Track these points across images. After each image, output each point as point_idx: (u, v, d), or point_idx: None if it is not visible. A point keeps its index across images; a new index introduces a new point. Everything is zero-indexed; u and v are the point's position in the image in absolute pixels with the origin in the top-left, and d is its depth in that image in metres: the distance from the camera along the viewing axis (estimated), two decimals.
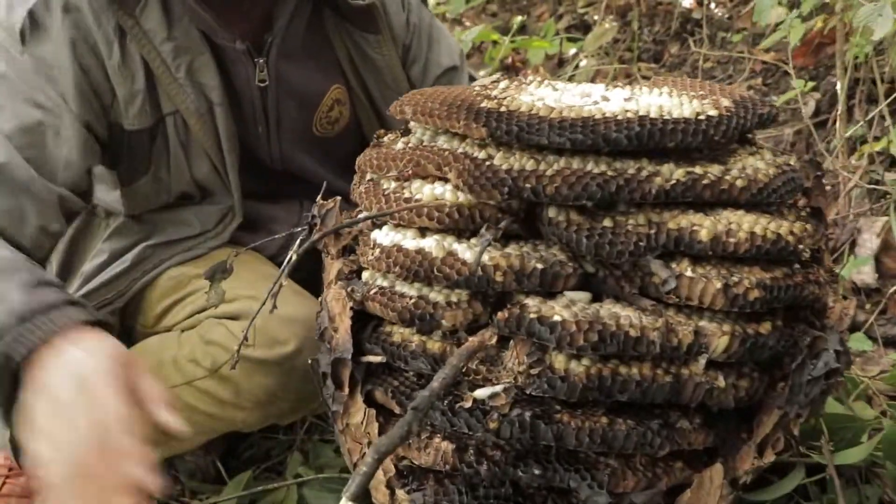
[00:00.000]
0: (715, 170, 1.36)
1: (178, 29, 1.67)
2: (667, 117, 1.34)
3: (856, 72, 2.21)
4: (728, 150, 1.43)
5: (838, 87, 2.08)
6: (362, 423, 1.46)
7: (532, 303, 1.31)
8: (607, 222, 1.33)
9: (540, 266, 1.32)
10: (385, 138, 1.56)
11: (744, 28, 3.10)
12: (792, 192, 1.40)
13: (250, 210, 1.91)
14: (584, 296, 1.34)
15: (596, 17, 3.40)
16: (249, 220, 1.90)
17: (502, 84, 1.52)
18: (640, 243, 1.31)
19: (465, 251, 1.35)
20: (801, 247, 1.36)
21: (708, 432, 1.38)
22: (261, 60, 1.80)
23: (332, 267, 1.54)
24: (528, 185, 1.33)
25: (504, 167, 1.35)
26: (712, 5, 3.11)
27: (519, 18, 3.56)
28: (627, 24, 3.47)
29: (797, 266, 1.40)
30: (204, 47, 1.75)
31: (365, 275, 1.49)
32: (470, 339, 1.35)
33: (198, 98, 1.74)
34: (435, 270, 1.35)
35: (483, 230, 1.33)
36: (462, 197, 1.38)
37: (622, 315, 1.29)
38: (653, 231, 1.32)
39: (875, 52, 2.21)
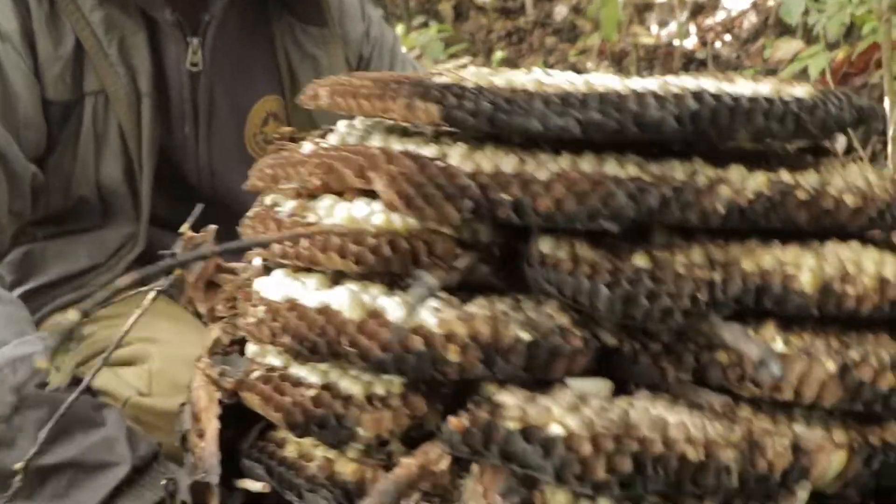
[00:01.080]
0: (811, 179, 0.72)
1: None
2: (736, 94, 0.71)
3: None
4: (803, 159, 0.80)
5: (887, 104, 1.47)
6: None
7: (512, 401, 0.65)
8: (641, 261, 0.67)
9: (526, 336, 0.66)
10: (290, 143, 0.90)
11: (753, 66, 2.49)
12: None
13: (153, 238, 1.29)
14: (600, 386, 0.67)
15: (589, 64, 2.80)
16: (150, 251, 1.27)
17: (471, 68, 0.88)
18: (699, 297, 0.66)
19: (398, 309, 0.69)
20: None
21: None
22: (195, 40, 1.28)
23: (209, 333, 0.88)
24: (505, 198, 0.68)
25: (466, 169, 0.71)
26: (717, 44, 2.53)
27: (499, 53, 2.93)
28: (623, 71, 2.87)
29: None
30: (138, 23, 1.25)
31: (250, 349, 0.82)
32: (404, 461, 0.69)
33: (129, 83, 1.25)
34: (345, 342, 0.69)
35: (418, 273, 0.66)
36: (398, 220, 0.73)
37: (671, 422, 0.63)
38: (718, 277, 0.67)
39: None
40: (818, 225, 0.69)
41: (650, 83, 0.72)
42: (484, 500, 0.63)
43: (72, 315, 0.74)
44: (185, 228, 0.83)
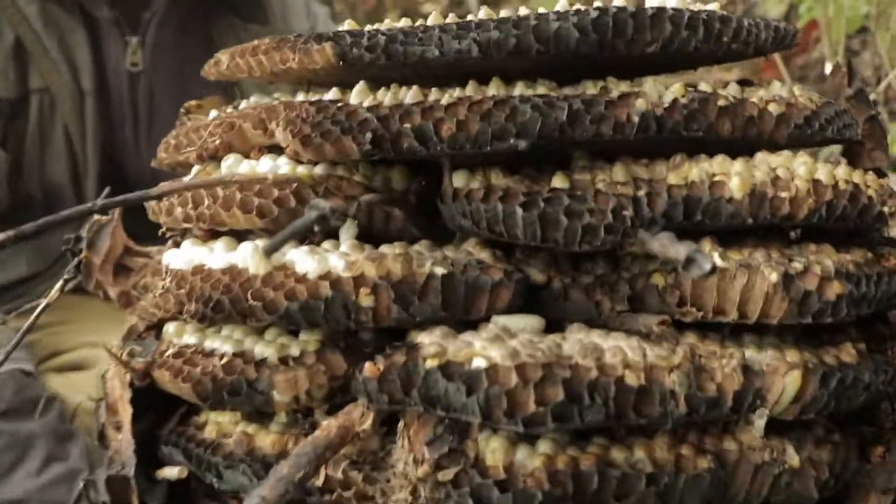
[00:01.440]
0: (732, 90, 0.65)
1: None
2: (639, 6, 0.64)
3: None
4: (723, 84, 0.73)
5: (828, 68, 1.43)
6: None
7: (429, 339, 0.56)
8: (559, 181, 0.60)
9: (440, 271, 0.58)
10: (196, 114, 0.82)
11: None
12: (845, 131, 0.69)
13: None
14: (529, 321, 0.59)
15: None
16: None
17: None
18: (625, 213, 0.58)
19: (306, 259, 0.61)
20: (885, 209, 0.65)
21: None
22: (134, 40, 1.21)
23: (127, 322, 0.78)
24: (407, 126, 0.60)
25: (366, 103, 0.63)
26: None
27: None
28: None
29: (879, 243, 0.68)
30: (77, 19, 1.19)
31: (168, 330, 0.72)
32: (325, 421, 0.60)
33: (71, 81, 1.18)
34: (250, 297, 0.60)
35: (314, 201, 0.57)
36: (302, 169, 0.65)
37: (607, 348, 0.55)
38: (643, 192, 0.60)
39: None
40: (744, 136, 0.61)
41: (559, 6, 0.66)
42: (411, 453, 0.54)
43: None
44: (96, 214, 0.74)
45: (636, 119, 0.57)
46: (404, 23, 0.66)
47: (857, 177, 0.62)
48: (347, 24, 0.70)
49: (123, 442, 0.67)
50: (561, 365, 0.51)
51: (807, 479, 0.58)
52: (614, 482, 0.52)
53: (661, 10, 0.59)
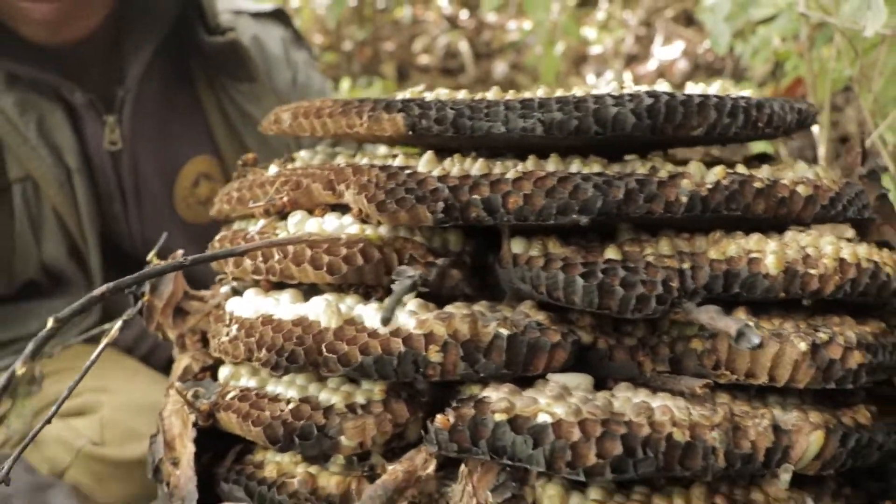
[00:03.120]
0: (765, 172, 0.75)
1: (20, 80, 1.18)
2: (688, 92, 0.74)
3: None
4: (753, 162, 0.83)
5: (816, 130, 1.54)
6: None
7: (496, 395, 0.65)
8: (612, 254, 0.69)
9: (505, 332, 0.66)
10: (252, 167, 0.90)
11: None
12: (862, 211, 0.79)
13: (108, 303, 1.18)
14: (582, 379, 0.68)
15: None
16: (106, 317, 1.23)
17: (427, 92, 0.90)
18: (672, 284, 0.67)
19: (375, 317, 0.69)
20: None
21: None
22: (111, 119, 1.23)
23: (179, 363, 0.85)
24: (476, 198, 0.68)
25: (435, 173, 0.71)
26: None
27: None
28: None
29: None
30: (54, 102, 1.19)
31: (223, 372, 0.80)
32: (391, 467, 0.67)
33: (55, 163, 1.19)
34: (324, 349, 0.68)
35: (401, 268, 0.66)
36: (370, 230, 0.73)
37: (655, 406, 0.64)
38: (687, 265, 0.69)
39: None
40: (775, 214, 0.71)
41: (605, 89, 0.75)
42: (474, 499, 0.62)
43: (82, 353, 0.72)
44: (151, 256, 0.82)
45: (684, 200, 0.66)
46: (464, 95, 0.75)
47: (876, 255, 0.71)
48: (409, 93, 0.79)
49: (183, 478, 0.74)
50: (617, 422, 0.60)
51: None
52: None
53: (707, 99, 0.69)
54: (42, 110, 1.20)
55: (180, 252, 0.79)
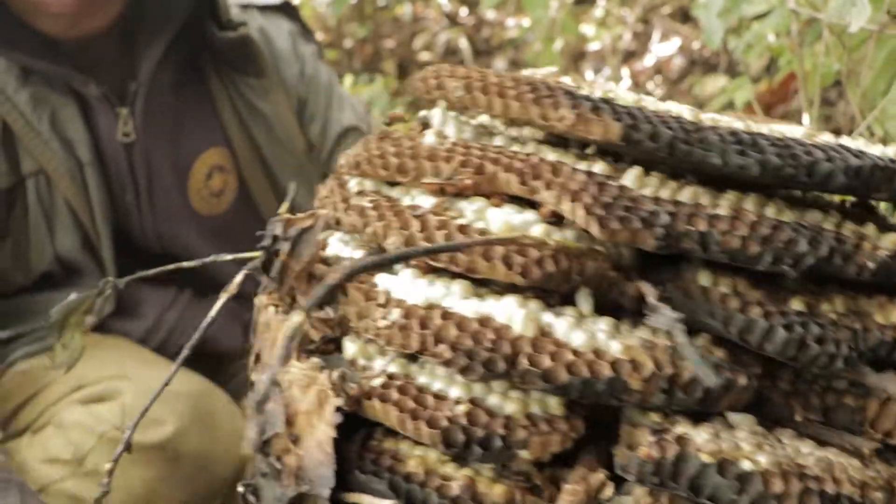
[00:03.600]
0: None
1: (34, 75, 1.22)
2: (881, 155, 0.77)
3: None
4: (880, 218, 0.88)
5: (806, 119, 1.64)
6: None
7: (699, 437, 0.66)
8: (797, 304, 0.72)
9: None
10: (397, 127, 0.84)
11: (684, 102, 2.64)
12: None
13: (123, 294, 1.26)
14: (747, 420, 0.71)
15: None
16: (121, 306, 1.28)
17: (567, 78, 0.87)
18: (852, 345, 0.71)
19: (571, 332, 0.68)
20: None
21: None
22: (124, 111, 1.26)
23: (284, 326, 0.80)
24: (693, 230, 0.69)
25: (647, 193, 0.70)
26: (650, 85, 2.67)
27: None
28: None
29: None
30: (66, 96, 1.24)
31: (350, 348, 0.76)
32: (568, 486, 0.68)
33: (67, 156, 1.23)
34: (525, 361, 0.66)
35: (653, 304, 0.65)
36: (558, 234, 0.71)
37: (835, 462, 0.68)
38: (859, 326, 0.73)
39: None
40: None
41: (791, 130, 0.77)
42: None
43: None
44: (283, 209, 0.75)
45: (871, 266, 0.70)
46: (668, 108, 0.74)
47: None
48: (585, 87, 0.77)
49: (310, 460, 0.70)
50: (810, 477, 0.63)
51: None
52: None
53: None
54: (55, 105, 1.22)
55: (323, 213, 0.73)
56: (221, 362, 1.34)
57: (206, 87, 1.36)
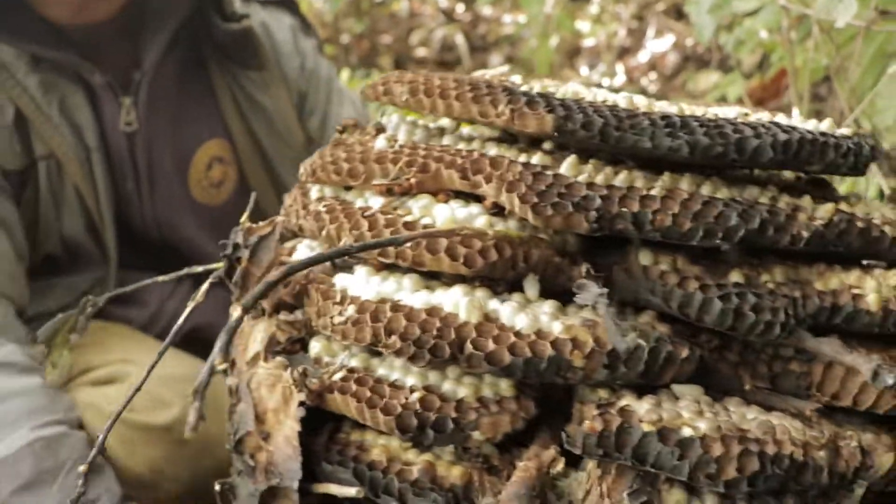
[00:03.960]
0: (860, 210, 0.83)
1: (44, 62, 1.26)
2: (811, 129, 0.80)
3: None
4: (829, 191, 0.91)
5: (796, 113, 1.67)
6: None
7: (640, 408, 0.70)
8: (737, 277, 0.75)
9: (645, 344, 0.71)
10: (350, 135, 0.89)
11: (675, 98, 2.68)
12: None
13: (123, 279, 1.31)
14: (695, 390, 0.74)
15: None
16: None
17: (515, 77, 0.91)
18: (790, 312, 0.74)
19: (515, 315, 0.72)
20: None
21: None
22: (127, 100, 1.30)
23: (254, 329, 0.84)
24: (626, 211, 0.72)
25: (580, 179, 0.74)
26: (644, 81, 2.72)
27: None
28: None
29: None
30: (75, 83, 1.28)
31: (314, 347, 0.80)
32: (521, 464, 0.72)
33: (76, 141, 1.28)
34: (469, 346, 0.70)
35: (583, 282, 0.69)
36: (499, 224, 0.75)
37: (777, 425, 0.71)
38: (797, 293, 0.76)
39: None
40: (865, 251, 0.79)
41: (727, 111, 0.80)
42: (607, 499, 0.67)
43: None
44: (244, 219, 0.80)
45: (806, 235, 0.73)
46: (602, 97, 0.78)
47: None
48: (533, 85, 0.81)
49: (279, 454, 0.75)
50: (750, 439, 0.67)
51: None
52: None
53: (828, 139, 0.76)
54: (64, 91, 1.26)
55: (279, 219, 0.78)
56: (223, 353, 1.40)
57: (207, 80, 1.39)
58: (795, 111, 1.80)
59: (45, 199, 1.26)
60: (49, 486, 1.01)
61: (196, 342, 1.30)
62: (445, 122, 0.89)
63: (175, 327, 0.75)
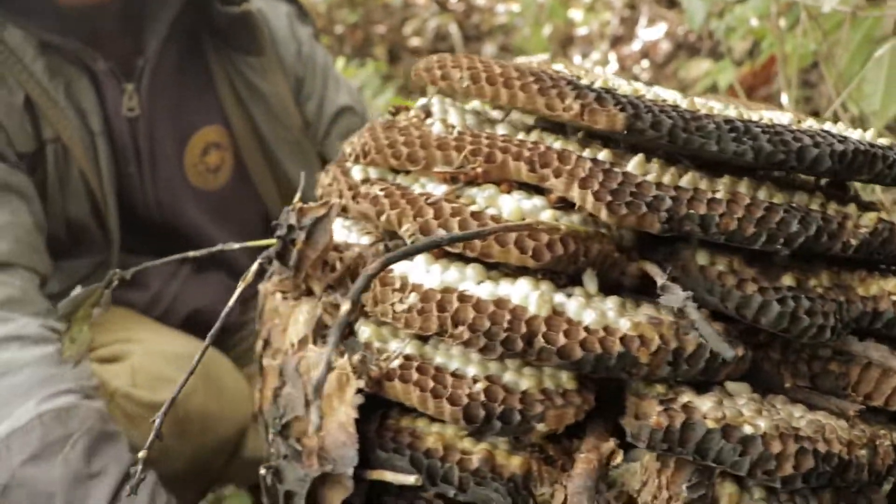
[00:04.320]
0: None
1: (50, 47, 1.27)
2: (860, 140, 0.84)
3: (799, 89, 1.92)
4: (857, 198, 0.96)
5: (785, 99, 1.73)
6: None
7: (703, 405, 0.73)
8: (788, 280, 0.79)
9: (706, 343, 0.74)
10: (401, 116, 0.88)
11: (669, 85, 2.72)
12: None
13: (124, 263, 1.26)
14: (743, 388, 0.78)
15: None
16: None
17: (558, 66, 0.92)
18: (838, 317, 0.78)
19: (582, 311, 0.73)
20: None
21: None
22: (129, 86, 1.31)
23: (297, 311, 0.84)
24: (694, 213, 0.75)
25: (650, 179, 0.76)
26: (636, 69, 2.75)
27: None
28: None
29: None
30: (79, 69, 1.29)
31: (364, 332, 0.80)
32: (582, 455, 0.74)
33: (81, 125, 1.29)
34: (541, 339, 0.72)
35: (667, 285, 0.71)
36: (575, 219, 0.77)
37: (825, 424, 0.75)
38: (843, 299, 0.80)
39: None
40: None
41: (779, 116, 0.83)
42: (666, 491, 0.70)
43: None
44: (296, 199, 0.79)
45: (854, 243, 0.77)
46: (671, 97, 0.80)
47: None
48: (589, 79, 0.82)
49: (332, 440, 0.75)
50: (804, 438, 0.70)
51: None
52: None
53: (877, 151, 0.79)
54: (69, 76, 1.27)
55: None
56: (223, 334, 1.40)
57: (206, 67, 1.41)
58: (784, 97, 1.87)
59: (52, 182, 1.28)
60: (56, 457, 0.99)
61: (197, 325, 1.31)
62: (480, 105, 0.90)
63: (213, 329, 0.75)
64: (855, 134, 0.85)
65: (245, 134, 1.41)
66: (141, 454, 0.73)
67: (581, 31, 3.03)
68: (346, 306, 0.56)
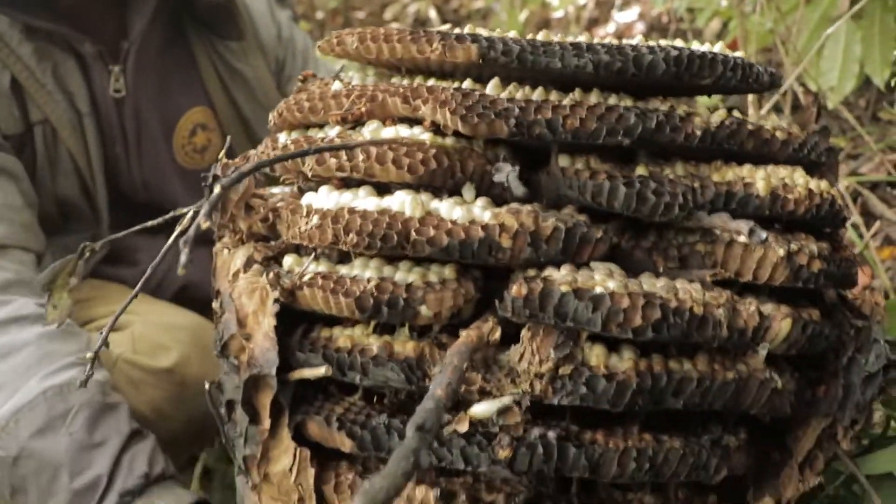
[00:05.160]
0: (752, 117, 0.99)
1: (37, 31, 1.38)
2: (703, 48, 0.97)
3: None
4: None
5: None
6: (291, 469, 0.91)
7: (558, 274, 0.85)
8: (641, 170, 0.91)
9: (562, 226, 0.87)
10: (310, 82, 1.06)
11: None
12: (820, 156, 1.05)
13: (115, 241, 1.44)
14: (614, 268, 0.90)
15: None
16: (113, 252, 1.46)
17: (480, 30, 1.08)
18: (688, 197, 0.90)
19: (452, 210, 0.88)
20: (844, 215, 1.02)
21: (749, 452, 0.97)
22: (116, 68, 1.45)
23: (235, 255, 1.00)
24: (541, 118, 0.89)
25: (503, 95, 0.91)
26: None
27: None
28: None
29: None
30: (67, 52, 1.41)
31: (287, 261, 0.96)
32: (464, 332, 0.87)
33: (68, 107, 1.41)
34: (413, 233, 0.86)
35: (500, 165, 0.86)
36: (448, 141, 0.92)
37: (680, 287, 0.87)
38: (697, 184, 0.92)
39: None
40: (759, 151, 0.96)
41: (634, 41, 0.97)
42: (536, 356, 0.83)
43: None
44: (222, 156, 0.97)
45: (698, 133, 0.90)
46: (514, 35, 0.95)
47: (833, 190, 0.98)
48: (467, 30, 0.98)
49: (258, 349, 0.90)
50: (655, 296, 0.82)
51: (784, 397, 0.93)
52: (675, 382, 0.84)
53: (716, 55, 0.93)
54: (56, 59, 1.40)
55: (252, 152, 0.95)
56: (207, 306, 1.54)
57: (189, 50, 1.54)
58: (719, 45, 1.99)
59: (41, 162, 1.40)
60: (61, 430, 1.15)
61: (188, 299, 1.46)
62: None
63: (148, 270, 0.91)
64: (703, 47, 0.98)
65: (228, 116, 1.55)
66: (88, 355, 0.89)
67: (557, 14, 3.17)
68: (205, 209, 0.72)
